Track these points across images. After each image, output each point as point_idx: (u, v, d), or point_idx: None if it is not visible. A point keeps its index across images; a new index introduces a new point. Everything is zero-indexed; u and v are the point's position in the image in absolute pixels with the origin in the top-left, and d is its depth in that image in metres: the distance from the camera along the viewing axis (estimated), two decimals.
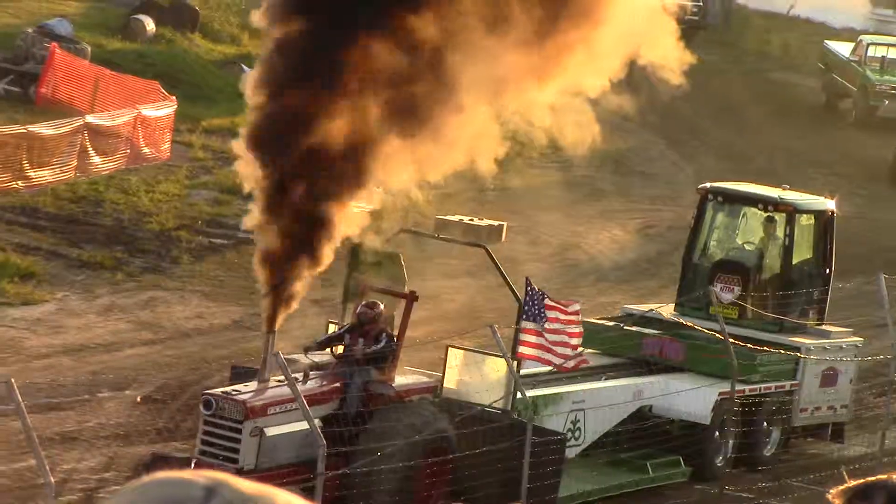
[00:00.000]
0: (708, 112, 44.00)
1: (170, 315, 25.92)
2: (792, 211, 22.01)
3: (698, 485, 21.11)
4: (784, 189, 22.73)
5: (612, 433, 20.37)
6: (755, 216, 22.57)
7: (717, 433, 20.64)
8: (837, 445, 23.22)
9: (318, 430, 16.70)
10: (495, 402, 18.48)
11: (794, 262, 22.15)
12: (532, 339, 18.49)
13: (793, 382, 21.53)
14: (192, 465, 16.96)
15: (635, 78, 21.27)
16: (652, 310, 22.15)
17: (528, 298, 18.58)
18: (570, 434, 19.18)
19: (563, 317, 18.58)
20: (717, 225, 22.77)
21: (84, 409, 21.37)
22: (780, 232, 22.10)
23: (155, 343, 24.73)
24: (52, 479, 14.76)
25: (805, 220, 22.37)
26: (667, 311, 22.10)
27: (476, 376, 18.97)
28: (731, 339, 20.36)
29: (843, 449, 23.18)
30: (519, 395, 18.66)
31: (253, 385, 18.17)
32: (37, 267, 26.64)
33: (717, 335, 20.47)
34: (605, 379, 20.78)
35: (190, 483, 1.71)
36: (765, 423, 21.27)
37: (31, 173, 29.77)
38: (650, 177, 39.63)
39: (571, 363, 18.90)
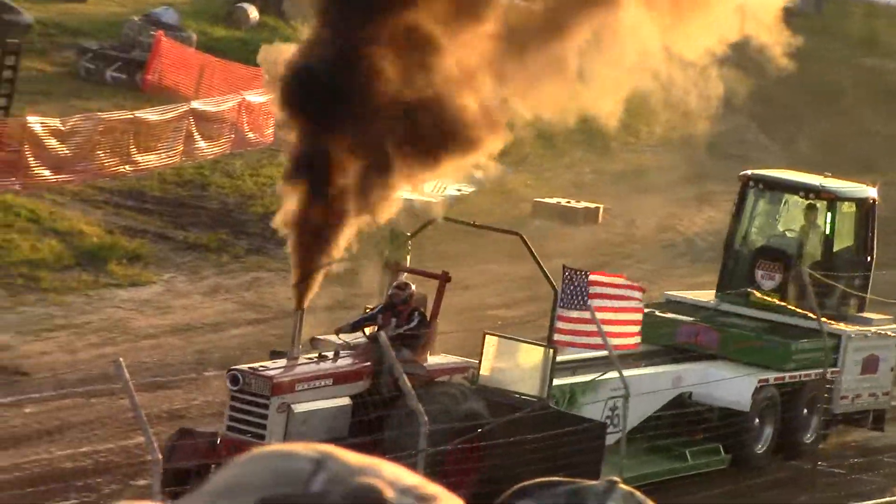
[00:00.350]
0: (801, 97, 43.49)
1: (274, 295, 25.96)
2: (833, 199, 21.58)
3: (791, 461, 20.90)
4: (826, 176, 22.20)
5: (652, 419, 19.72)
6: (796, 204, 22.10)
7: (756, 420, 20.19)
8: None
9: (421, 409, 16.19)
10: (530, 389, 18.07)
11: (835, 249, 21.73)
12: (566, 325, 17.99)
13: (833, 370, 20.89)
14: (218, 440, 16.73)
15: (741, 58, 20.88)
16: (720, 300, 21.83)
17: (565, 285, 17.99)
18: (608, 421, 18.51)
19: (617, 287, 18.28)
20: (759, 212, 22.26)
21: (191, 388, 21.45)
22: (820, 220, 21.73)
23: (259, 322, 24.86)
24: (160, 456, 14.65)
25: (846, 208, 21.90)
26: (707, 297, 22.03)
27: (512, 363, 18.51)
28: (765, 328, 20.69)
29: None
30: (614, 374, 18.14)
31: (282, 362, 17.74)
32: (144, 249, 26.82)
33: (809, 314, 20.35)
34: (645, 366, 20.23)
35: (298, 456, 1.65)
36: (805, 410, 20.73)
37: (139, 158, 29.93)
38: (742, 159, 39.25)
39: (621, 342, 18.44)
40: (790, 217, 22.27)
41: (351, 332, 18.19)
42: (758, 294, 20.88)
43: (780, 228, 22.33)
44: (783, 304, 20.74)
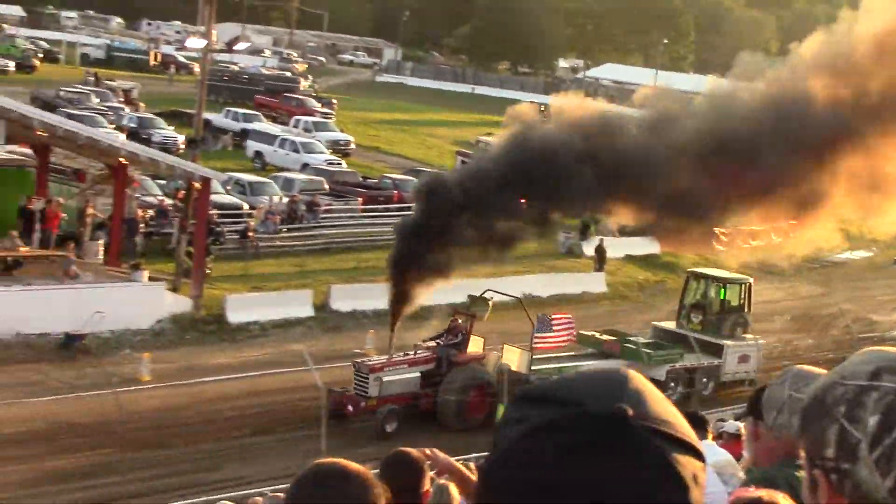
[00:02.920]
0: None
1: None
2: (724, 283, 37.15)
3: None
4: (731, 272, 38.63)
5: None
6: (710, 285, 37.23)
7: (672, 384, 33.12)
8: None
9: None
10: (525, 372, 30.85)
11: (730, 305, 36.80)
12: (541, 343, 31.39)
13: (719, 360, 34.88)
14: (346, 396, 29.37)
15: None
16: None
17: (538, 324, 31.33)
18: None
19: (564, 321, 31.86)
20: (695, 288, 37.47)
21: None
22: (720, 293, 36.96)
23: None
24: None
25: (732, 287, 37.11)
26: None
27: (515, 357, 31.48)
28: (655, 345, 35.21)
29: None
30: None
31: (384, 357, 30.80)
32: None
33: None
34: (595, 360, 33.27)
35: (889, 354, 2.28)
36: (704, 379, 34.47)
37: None
38: None
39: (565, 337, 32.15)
40: (708, 289, 37.20)
41: (430, 340, 31.94)
42: (690, 324, 36.46)
43: (700, 296, 37.19)
44: (700, 328, 36.23)
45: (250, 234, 45.41)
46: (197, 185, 38.14)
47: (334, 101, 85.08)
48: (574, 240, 53.95)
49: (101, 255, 38.45)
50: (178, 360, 33.06)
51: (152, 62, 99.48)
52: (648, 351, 33.82)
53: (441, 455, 5.71)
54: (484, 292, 32.76)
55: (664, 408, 1.89)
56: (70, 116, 46.85)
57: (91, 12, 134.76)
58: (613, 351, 33.52)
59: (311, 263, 45.24)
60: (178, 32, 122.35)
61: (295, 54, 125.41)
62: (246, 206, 48.25)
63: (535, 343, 31.27)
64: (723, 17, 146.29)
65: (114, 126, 58.80)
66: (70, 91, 70.07)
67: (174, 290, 37.27)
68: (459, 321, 31.70)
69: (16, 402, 28.17)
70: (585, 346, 33.99)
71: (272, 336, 35.87)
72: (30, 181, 39.44)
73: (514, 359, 31.32)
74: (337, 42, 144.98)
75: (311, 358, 28.30)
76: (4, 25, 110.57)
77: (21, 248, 35.31)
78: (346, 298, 40.55)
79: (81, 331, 32.65)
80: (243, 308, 37.64)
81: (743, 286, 37.05)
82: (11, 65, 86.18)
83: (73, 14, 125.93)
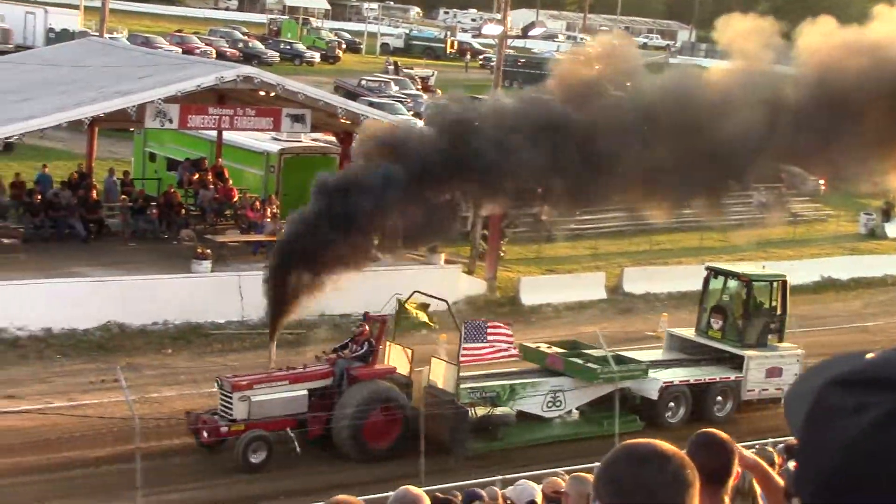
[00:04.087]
0: None
1: None
2: (749, 281, 30.30)
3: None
4: (763, 268, 32.18)
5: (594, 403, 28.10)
6: (733, 284, 30.77)
7: (671, 403, 28.30)
8: None
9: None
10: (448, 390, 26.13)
11: (757, 307, 30.22)
12: (470, 353, 25.65)
13: (738, 375, 29.10)
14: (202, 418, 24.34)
15: None
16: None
17: (466, 332, 25.56)
18: (551, 405, 27.39)
19: (503, 332, 26.02)
20: (715, 288, 30.96)
21: None
22: (744, 292, 30.32)
23: None
24: None
25: (759, 286, 30.41)
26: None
27: (442, 372, 26.37)
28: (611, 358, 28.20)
29: None
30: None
31: (256, 373, 25.37)
32: None
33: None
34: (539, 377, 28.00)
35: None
36: (719, 398, 28.88)
37: None
38: None
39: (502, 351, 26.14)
40: (731, 290, 30.73)
41: (333, 353, 26.08)
42: (710, 332, 30.37)
43: (725, 297, 30.73)
44: (721, 336, 30.29)
45: (544, 217, 45.60)
46: None
47: (628, 84, 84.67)
48: (876, 221, 52.15)
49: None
50: None
51: (449, 50, 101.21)
52: (595, 367, 27.48)
53: (743, 449, 5.65)
54: (412, 294, 27.18)
55: None
56: (371, 104, 48.09)
57: (391, 2, 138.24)
58: (556, 367, 27.78)
59: (604, 246, 45.43)
60: (473, 20, 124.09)
61: (588, 38, 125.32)
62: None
63: (464, 356, 25.64)
64: None
65: (412, 113, 60.14)
66: (371, 80, 72.01)
67: (469, 272, 37.89)
68: (363, 327, 26.16)
69: None
70: (529, 359, 28.22)
71: (565, 318, 36.01)
72: (333, 167, 40.64)
73: (440, 374, 26.33)
74: (630, 25, 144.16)
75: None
76: (311, 19, 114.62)
77: None
78: (638, 281, 40.41)
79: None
80: (537, 290, 38.04)
81: (775, 284, 30.36)
82: (317, 56, 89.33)
83: (374, 5, 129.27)
